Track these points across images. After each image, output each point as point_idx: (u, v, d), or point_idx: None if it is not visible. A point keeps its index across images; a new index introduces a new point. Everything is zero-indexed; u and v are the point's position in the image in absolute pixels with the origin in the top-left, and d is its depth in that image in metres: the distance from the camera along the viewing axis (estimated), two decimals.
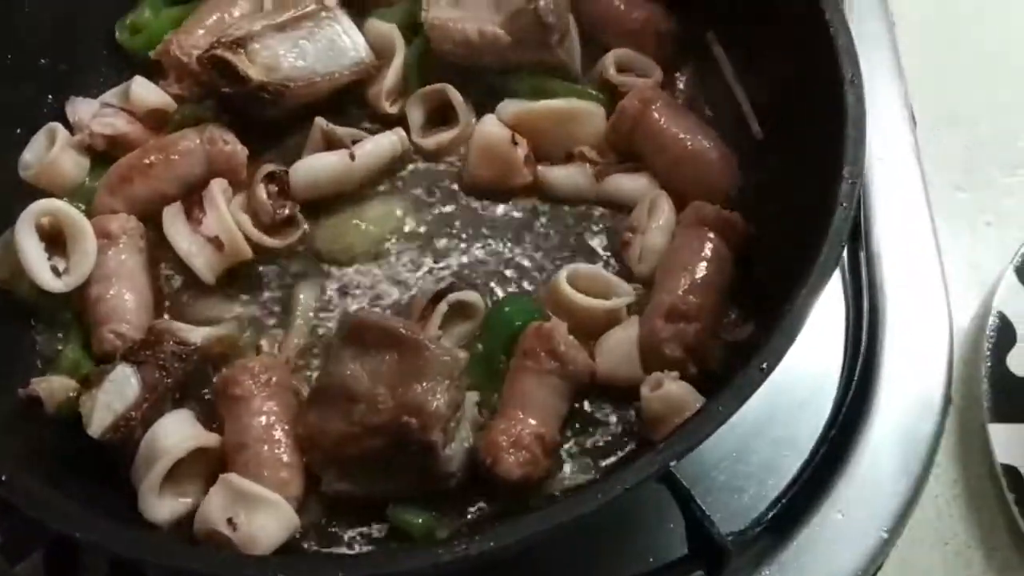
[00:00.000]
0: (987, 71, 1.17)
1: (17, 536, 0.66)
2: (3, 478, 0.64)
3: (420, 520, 0.77)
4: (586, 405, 0.84)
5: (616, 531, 0.85)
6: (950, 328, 0.94)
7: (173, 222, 0.89)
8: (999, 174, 1.10)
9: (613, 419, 0.84)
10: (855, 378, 0.92)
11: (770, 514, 0.86)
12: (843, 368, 0.93)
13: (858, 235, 0.98)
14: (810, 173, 0.77)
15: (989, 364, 0.93)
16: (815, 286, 0.67)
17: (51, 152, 0.92)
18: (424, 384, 0.74)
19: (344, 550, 0.78)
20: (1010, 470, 0.87)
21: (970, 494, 0.92)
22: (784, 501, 0.86)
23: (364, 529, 0.79)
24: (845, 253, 0.97)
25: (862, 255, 0.98)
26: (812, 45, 0.79)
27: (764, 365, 0.65)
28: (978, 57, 1.18)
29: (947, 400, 0.90)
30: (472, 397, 0.81)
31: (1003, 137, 1.12)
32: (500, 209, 0.95)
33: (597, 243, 0.93)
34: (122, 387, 0.78)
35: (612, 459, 0.82)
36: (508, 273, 0.92)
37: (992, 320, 0.94)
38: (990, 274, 1.00)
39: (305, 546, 0.78)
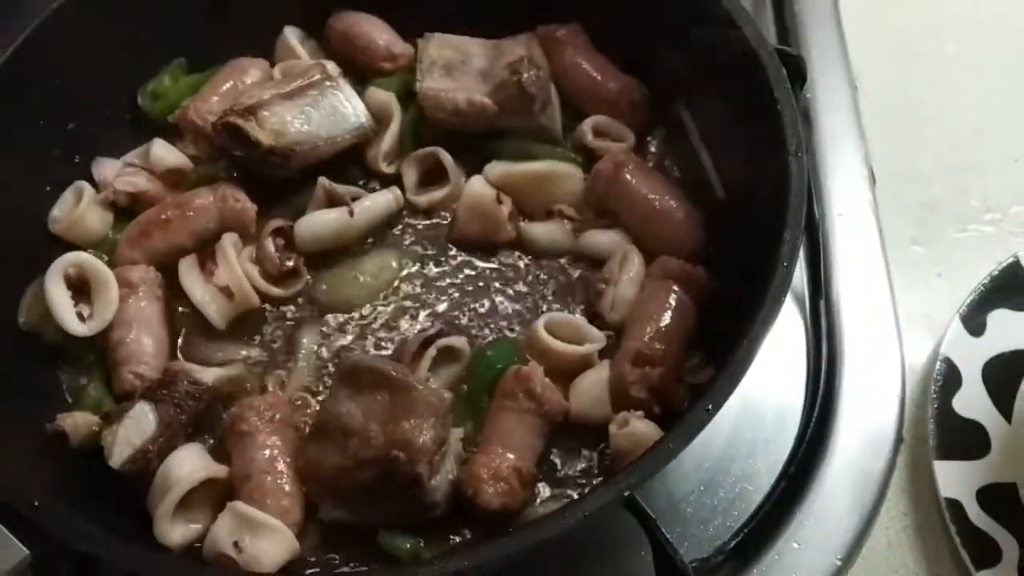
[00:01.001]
0: (943, 134, 1.23)
1: (46, 556, 0.72)
2: (36, 504, 0.71)
3: (407, 545, 0.83)
4: (561, 441, 0.90)
5: (594, 558, 0.91)
6: (902, 372, 0.99)
7: (188, 273, 0.96)
8: (951, 229, 1.16)
9: (584, 454, 0.90)
10: (814, 417, 0.98)
11: (732, 543, 0.91)
12: (804, 408, 0.99)
13: (819, 285, 1.03)
14: (761, 233, 0.83)
15: (936, 405, 0.98)
16: (756, 337, 0.74)
17: (78, 208, 0.99)
18: (412, 421, 0.80)
19: (338, 572, 0.84)
20: (953, 504, 0.93)
21: (918, 526, 0.97)
22: (746, 531, 0.92)
23: (356, 553, 0.85)
24: (807, 302, 1.04)
25: (822, 304, 1.03)
26: (763, 119, 0.86)
27: (710, 407, 0.71)
28: (935, 120, 1.24)
29: (899, 439, 0.96)
30: (457, 433, 0.88)
31: (956, 195, 1.19)
32: (485, 261, 1.02)
33: (573, 293, 1.00)
34: (140, 423, 0.85)
35: (582, 490, 0.87)
36: (491, 320, 0.99)
37: (939, 365, 1.00)
38: (940, 322, 1.05)
39: (303, 568, 0.84)
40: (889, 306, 1.04)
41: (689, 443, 0.71)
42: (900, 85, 1.27)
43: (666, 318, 0.90)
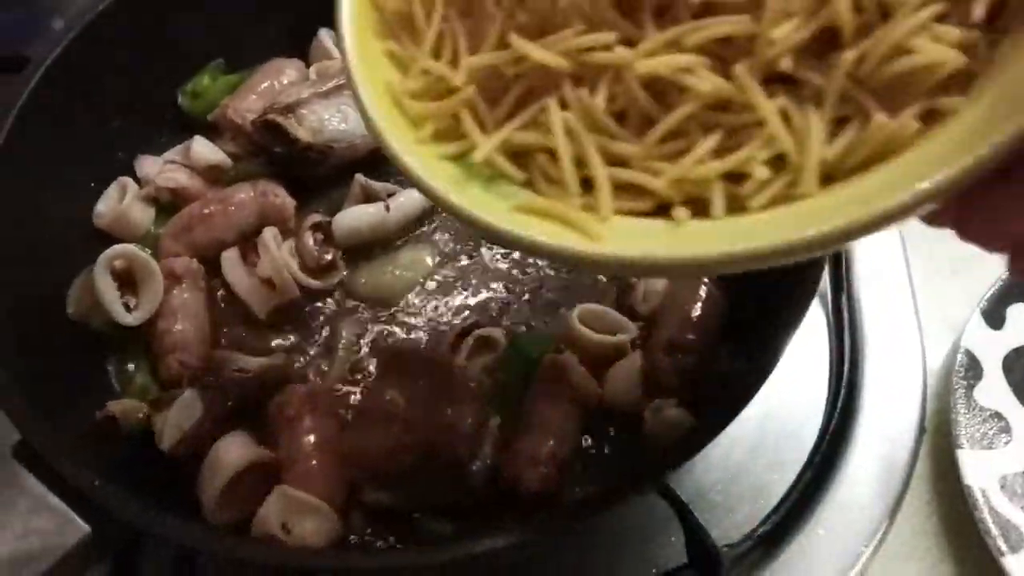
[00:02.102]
0: None
1: (104, 535, 0.74)
2: (96, 483, 0.73)
3: (447, 528, 0.85)
4: (594, 427, 0.92)
5: (624, 543, 0.94)
6: (923, 365, 1.03)
7: (232, 265, 0.99)
8: None
9: (619, 440, 0.93)
10: (838, 409, 1.00)
11: (760, 530, 0.93)
12: (827, 400, 1.02)
13: (840, 281, 1.07)
14: None
15: (959, 396, 1.01)
16: (792, 323, 0.77)
17: (122, 203, 1.02)
18: (453, 406, 0.84)
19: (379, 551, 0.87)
20: (977, 492, 0.95)
21: (942, 514, 0.99)
22: (773, 519, 0.93)
23: (397, 534, 0.87)
24: (829, 298, 1.07)
25: (844, 299, 1.06)
26: None
27: (746, 393, 0.74)
28: None
29: (921, 429, 0.99)
30: (494, 420, 0.91)
31: None
32: (518, 255, 1.05)
33: (605, 286, 1.02)
34: (189, 408, 0.87)
35: (616, 474, 0.90)
36: (524, 311, 1.01)
37: (960, 357, 1.03)
38: (959, 317, 1.07)
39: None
40: (909, 300, 1.07)
41: (726, 427, 0.74)
42: None
43: (697, 309, 0.92)
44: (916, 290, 1.08)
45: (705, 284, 0.94)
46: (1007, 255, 0.45)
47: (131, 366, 0.97)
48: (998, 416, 1.00)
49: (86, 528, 0.72)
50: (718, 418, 0.76)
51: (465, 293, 1.03)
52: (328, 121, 1.04)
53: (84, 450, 0.84)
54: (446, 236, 1.07)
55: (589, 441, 0.93)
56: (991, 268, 1.10)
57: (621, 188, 0.47)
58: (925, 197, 0.41)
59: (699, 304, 0.93)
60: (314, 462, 0.86)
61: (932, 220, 0.45)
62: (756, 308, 0.91)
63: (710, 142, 0.46)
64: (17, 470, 0.74)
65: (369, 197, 1.04)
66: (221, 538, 0.78)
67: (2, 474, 0.74)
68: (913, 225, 1.17)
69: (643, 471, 0.75)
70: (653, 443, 0.88)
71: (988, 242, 0.44)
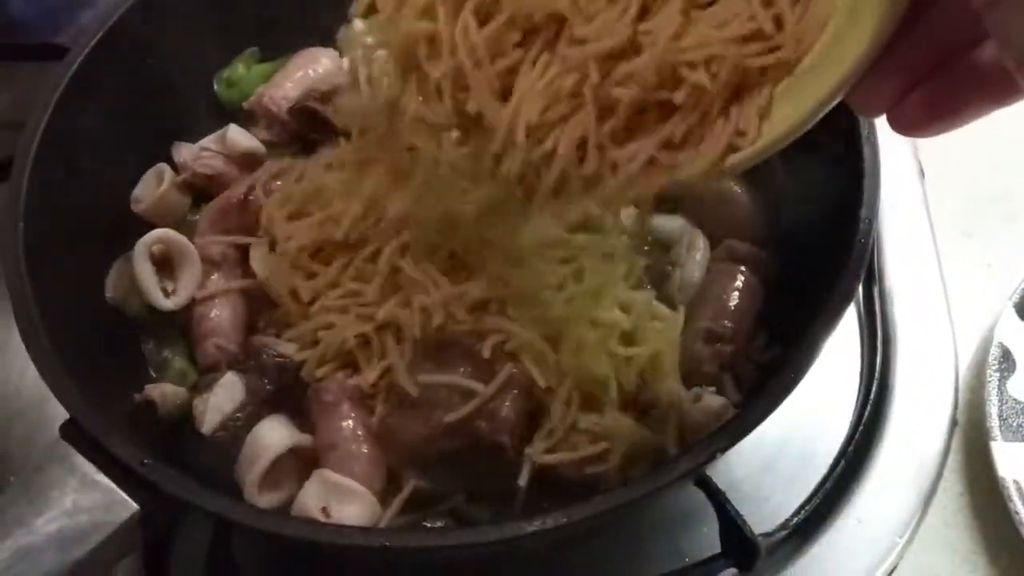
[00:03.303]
0: (993, 129, 1.25)
1: (150, 514, 0.75)
2: (145, 461, 0.74)
3: (488, 515, 0.86)
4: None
5: (653, 532, 0.94)
6: (955, 358, 1.03)
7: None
8: (1001, 222, 1.20)
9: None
10: (870, 401, 1.01)
11: (795, 519, 0.94)
12: (859, 392, 1.03)
13: (872, 274, 1.07)
14: (830, 215, 0.87)
15: (992, 388, 1.01)
16: (836, 311, 0.77)
17: (160, 189, 1.03)
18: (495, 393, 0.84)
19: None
20: (1012, 484, 0.95)
21: (975, 506, 1.00)
22: (807, 508, 0.95)
23: (437, 519, 0.87)
24: (860, 290, 1.07)
25: (875, 291, 1.07)
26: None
27: (793, 374, 0.74)
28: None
29: (953, 422, 1.00)
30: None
31: (1005, 188, 1.22)
32: None
33: (641, 276, 1.01)
34: (230, 391, 0.88)
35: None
36: None
37: (994, 349, 1.03)
38: (991, 310, 1.08)
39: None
40: (941, 293, 1.08)
41: (769, 414, 0.74)
42: None
43: (734, 298, 0.93)
44: (947, 282, 1.08)
45: (742, 273, 0.94)
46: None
47: (168, 352, 0.98)
48: None
49: (134, 506, 0.73)
50: (761, 406, 0.76)
51: None
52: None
53: (125, 433, 0.85)
54: None
55: None
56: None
57: None
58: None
59: (736, 293, 0.93)
60: (353, 447, 0.86)
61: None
62: (795, 296, 0.92)
63: None
64: (65, 449, 0.74)
65: None
66: (272, 515, 0.78)
67: (51, 453, 0.74)
68: (943, 217, 1.17)
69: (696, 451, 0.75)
70: (693, 432, 0.88)
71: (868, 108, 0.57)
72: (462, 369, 0.86)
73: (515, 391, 0.84)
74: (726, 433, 0.74)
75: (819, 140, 0.92)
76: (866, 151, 0.84)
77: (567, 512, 0.70)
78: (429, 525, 0.87)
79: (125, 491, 0.73)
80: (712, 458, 0.72)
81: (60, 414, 0.77)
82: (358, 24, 1.14)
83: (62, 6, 1.35)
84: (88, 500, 0.72)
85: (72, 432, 0.75)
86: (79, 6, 1.33)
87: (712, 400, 0.87)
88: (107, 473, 0.73)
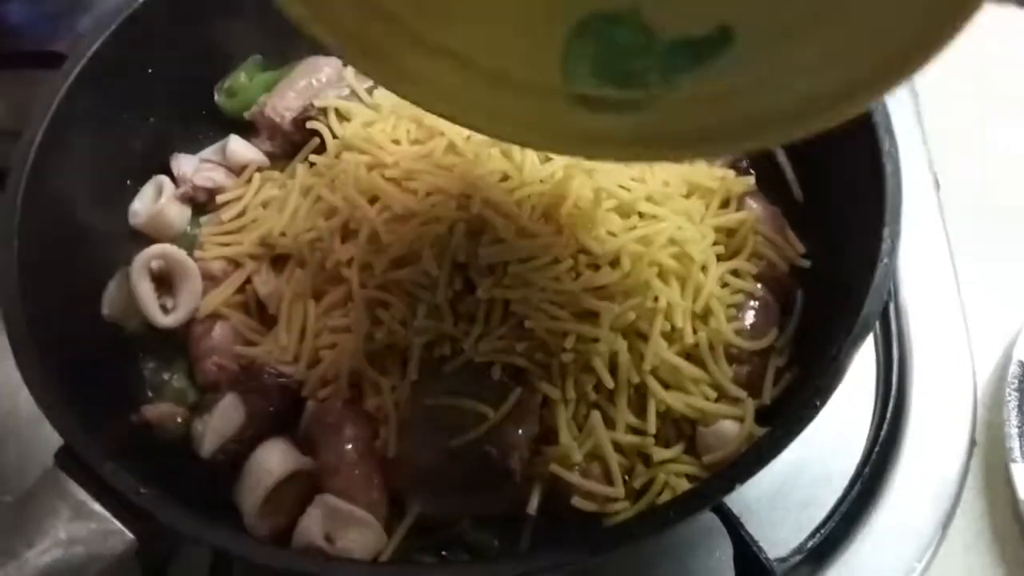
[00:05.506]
0: (1008, 143, 1.24)
1: (147, 545, 0.72)
2: (141, 491, 0.71)
3: (495, 542, 0.84)
4: None
5: (664, 557, 0.92)
6: (973, 376, 1.00)
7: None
8: (1018, 236, 1.17)
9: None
10: (886, 421, 0.99)
11: (810, 543, 0.92)
12: (874, 412, 1.00)
13: (888, 290, 1.05)
14: (850, 234, 0.85)
15: (1013, 408, 0.98)
16: (862, 330, 0.75)
17: (159, 202, 1.00)
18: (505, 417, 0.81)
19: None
20: None
21: (995, 529, 0.97)
22: (822, 532, 0.93)
23: (443, 546, 0.85)
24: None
25: (891, 308, 1.05)
26: (851, 119, 0.87)
27: (817, 401, 0.72)
28: (1000, 129, 1.25)
29: (972, 442, 0.97)
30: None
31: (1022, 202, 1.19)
32: None
33: None
34: (230, 413, 0.85)
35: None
36: None
37: (1014, 368, 1.00)
38: (1009, 328, 1.05)
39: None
40: (958, 310, 1.05)
41: (795, 438, 0.72)
42: (963, 91, 1.26)
43: (750, 317, 0.90)
44: (964, 297, 1.06)
45: (757, 291, 0.92)
46: None
47: (166, 370, 0.96)
48: None
49: (130, 536, 0.70)
50: (780, 433, 0.74)
51: None
52: None
53: (121, 456, 0.82)
54: None
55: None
56: None
57: None
58: None
59: (752, 312, 0.90)
60: (357, 471, 0.84)
61: None
62: (814, 317, 0.90)
63: None
64: (60, 476, 0.72)
65: None
66: (271, 548, 0.76)
67: (45, 480, 0.72)
68: (959, 229, 1.15)
69: (705, 484, 0.73)
70: (704, 453, 0.85)
71: None
72: (470, 391, 0.83)
73: (524, 414, 0.82)
74: (746, 465, 0.71)
75: (839, 152, 0.91)
76: (888, 167, 0.82)
77: (574, 548, 0.67)
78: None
79: (121, 521, 0.70)
80: (730, 490, 0.70)
81: (57, 435, 0.74)
82: None
83: (60, 12, 1.33)
84: (83, 530, 0.69)
85: (67, 460, 0.72)
86: (78, 13, 1.30)
87: (725, 424, 0.84)
88: (102, 502, 0.71)
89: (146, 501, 0.71)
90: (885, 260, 0.77)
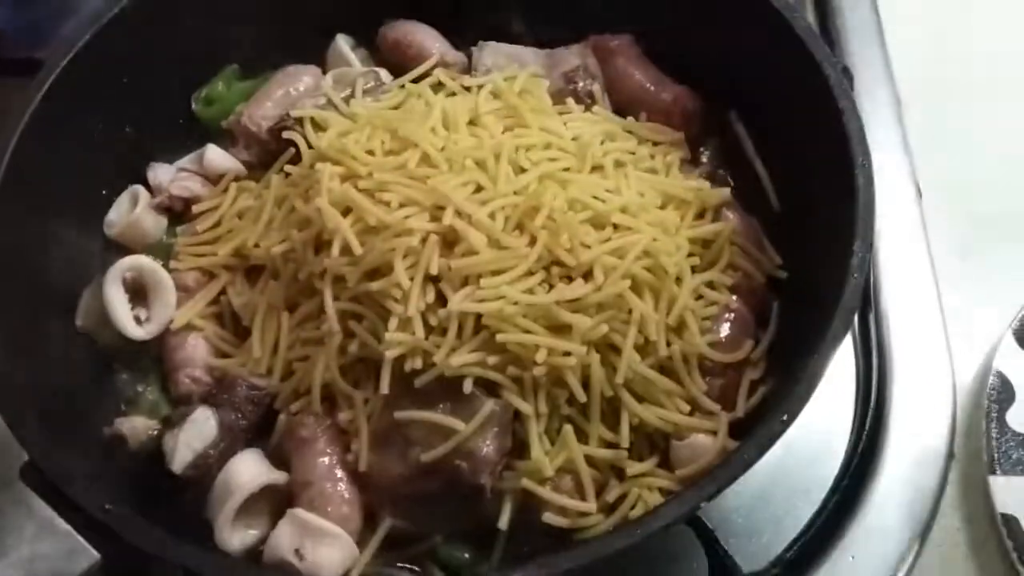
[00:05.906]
0: (992, 149, 1.22)
1: (114, 562, 0.72)
2: (106, 508, 0.71)
3: (466, 555, 0.84)
4: None
5: (640, 569, 0.90)
6: (953, 387, 1.00)
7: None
8: (1000, 245, 1.15)
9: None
10: (865, 431, 0.98)
11: (786, 556, 0.91)
12: (853, 423, 0.99)
13: (867, 299, 1.04)
14: (824, 245, 0.84)
15: (990, 420, 0.98)
16: (830, 347, 0.74)
17: (134, 212, 0.99)
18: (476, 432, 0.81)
19: None
20: (1010, 519, 0.92)
21: (972, 542, 0.97)
22: (799, 544, 0.92)
23: (415, 561, 0.85)
24: (856, 318, 1.04)
25: (871, 318, 1.04)
26: (826, 130, 0.86)
27: (785, 417, 0.72)
28: (983, 135, 1.23)
29: (950, 453, 0.96)
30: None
31: (1005, 212, 1.18)
32: None
33: None
34: (202, 427, 0.85)
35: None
36: None
37: (992, 379, 1.00)
38: (989, 338, 1.05)
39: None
40: (938, 320, 1.04)
41: (765, 453, 0.71)
42: (946, 98, 1.26)
43: (725, 329, 0.90)
44: (944, 307, 1.05)
45: (732, 303, 0.91)
46: None
47: (140, 383, 0.95)
48: None
49: (95, 555, 0.70)
50: (749, 450, 0.73)
51: None
52: None
53: (92, 470, 0.82)
54: None
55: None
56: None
57: None
58: None
59: (727, 324, 0.90)
60: (329, 485, 0.83)
61: None
62: (789, 329, 0.89)
63: None
64: (24, 493, 0.71)
65: None
66: (237, 567, 0.75)
67: (9, 496, 0.71)
68: (940, 239, 1.14)
69: (674, 500, 0.73)
70: (677, 467, 0.85)
71: None
72: (441, 405, 0.83)
73: (495, 428, 0.81)
74: (715, 478, 0.71)
75: (813, 167, 0.91)
76: (860, 180, 0.81)
77: (545, 563, 0.67)
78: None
79: (86, 539, 0.70)
80: (698, 507, 0.69)
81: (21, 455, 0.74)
82: (342, 40, 1.13)
83: (46, 17, 1.32)
84: (47, 548, 0.69)
85: (31, 475, 0.72)
86: (64, 18, 1.29)
87: (699, 437, 0.84)
88: (67, 519, 0.70)
89: (112, 519, 0.70)
90: (855, 275, 0.76)
